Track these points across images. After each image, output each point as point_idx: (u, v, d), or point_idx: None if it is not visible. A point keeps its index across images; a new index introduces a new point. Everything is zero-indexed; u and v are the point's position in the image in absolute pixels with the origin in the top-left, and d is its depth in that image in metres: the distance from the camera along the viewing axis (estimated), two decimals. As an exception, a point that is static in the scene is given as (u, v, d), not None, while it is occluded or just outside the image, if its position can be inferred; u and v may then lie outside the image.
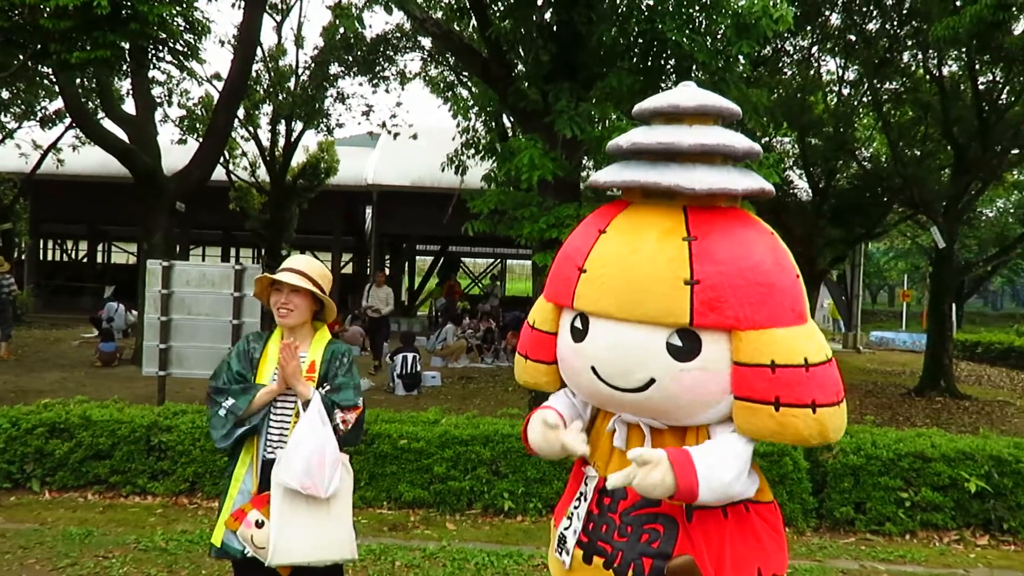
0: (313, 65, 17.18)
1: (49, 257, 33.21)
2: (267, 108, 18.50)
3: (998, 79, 12.67)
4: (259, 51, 16.18)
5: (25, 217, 23.16)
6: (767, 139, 13.60)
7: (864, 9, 12.88)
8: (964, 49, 11.68)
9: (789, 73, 14.73)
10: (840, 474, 5.72)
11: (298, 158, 19.75)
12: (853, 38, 13.34)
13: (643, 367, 2.00)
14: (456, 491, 5.79)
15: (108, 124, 14.83)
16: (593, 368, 2.10)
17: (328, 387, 2.96)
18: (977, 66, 12.27)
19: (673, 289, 1.94)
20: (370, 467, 5.84)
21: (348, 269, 29.99)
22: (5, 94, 19.06)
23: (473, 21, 8.62)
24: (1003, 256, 16.31)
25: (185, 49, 11.15)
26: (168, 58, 11.55)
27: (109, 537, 5.08)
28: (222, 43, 17.78)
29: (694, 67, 7.25)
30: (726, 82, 6.98)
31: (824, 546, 5.43)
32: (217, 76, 16.92)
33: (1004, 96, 12.55)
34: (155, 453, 6.01)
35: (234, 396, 2.91)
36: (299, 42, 18.21)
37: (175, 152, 16.82)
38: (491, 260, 38.74)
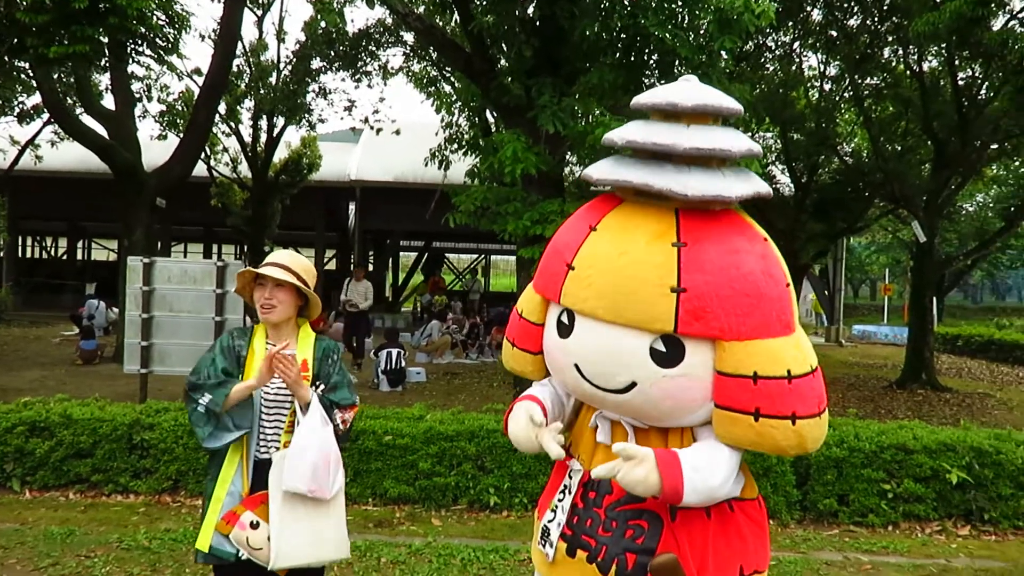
0: (295, 60, 17.05)
1: (28, 254, 32.91)
2: (249, 103, 18.37)
3: (977, 75, 12.77)
4: (240, 46, 16.06)
5: (3, 214, 22.79)
6: (749, 134, 13.63)
7: (845, 5, 12.94)
8: (944, 45, 11.76)
9: (771, 69, 14.79)
10: (823, 466, 5.76)
11: (280, 154, 19.65)
12: (834, 34, 13.40)
13: (625, 370, 1.99)
14: (441, 487, 5.78)
15: (87, 120, 14.67)
16: (576, 366, 2.09)
17: (323, 386, 2.92)
18: (957, 62, 12.36)
19: (659, 296, 1.92)
20: (355, 464, 5.82)
21: (331, 265, 29.88)
22: (-18, 89, 18.82)
23: (456, 16, 8.60)
24: (983, 250, 16.46)
25: (165, 43, 11.05)
26: (148, 52, 11.43)
27: (91, 536, 5.03)
28: (202, 37, 17.64)
29: (677, 62, 7.27)
30: (709, 77, 6.99)
31: (808, 538, 5.47)
32: (198, 71, 16.79)
33: (983, 91, 12.65)
34: (137, 451, 5.95)
35: (210, 391, 2.81)
36: (281, 36, 18.11)
37: (155, 148, 16.68)
38: (475, 255, 38.70)
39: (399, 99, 77.94)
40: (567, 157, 8.75)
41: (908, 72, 13.54)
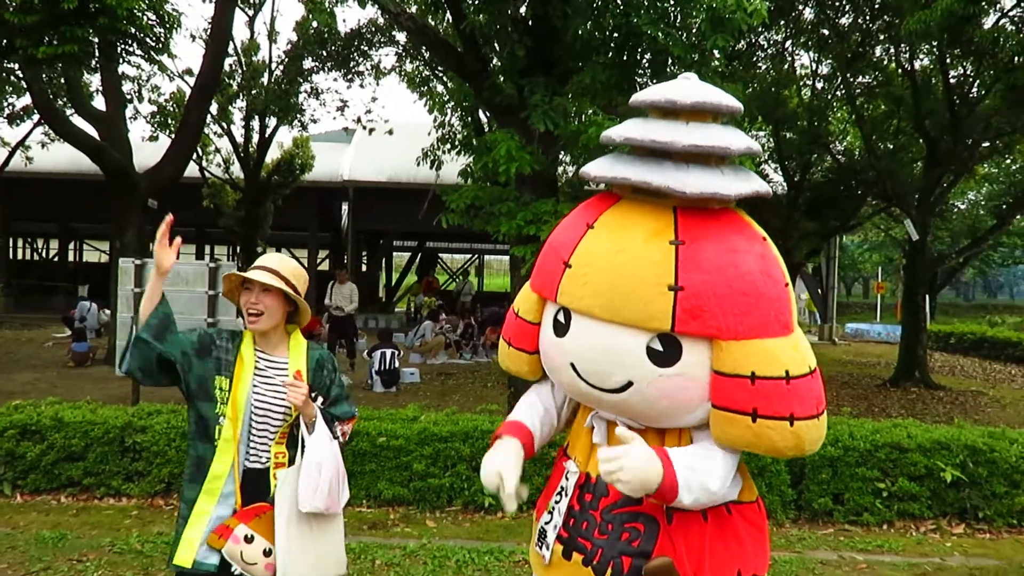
0: (287, 60, 17.01)
1: (20, 256, 32.71)
2: (240, 103, 18.31)
3: (969, 73, 12.80)
4: (231, 46, 16.00)
5: (-6, 216, 22.80)
6: (743, 133, 13.64)
7: (837, 4, 12.97)
8: (935, 43, 11.79)
9: (763, 67, 14.80)
10: (818, 466, 5.76)
11: (273, 154, 19.59)
12: (826, 32, 13.44)
13: (622, 369, 1.98)
14: (436, 488, 5.76)
15: (78, 121, 14.60)
16: (573, 365, 2.08)
17: (322, 399, 2.83)
18: (948, 60, 12.39)
19: (657, 294, 1.90)
20: (349, 465, 5.74)
21: (324, 266, 29.81)
22: (-29, 90, 18.70)
23: (448, 15, 8.57)
24: (975, 248, 16.53)
25: (155, 43, 10.98)
26: (138, 53, 11.36)
27: (83, 540, 5.00)
28: (193, 38, 17.59)
29: (669, 61, 7.26)
30: (702, 76, 6.97)
31: (803, 537, 5.47)
32: (189, 71, 16.74)
33: (975, 90, 12.68)
34: (129, 454, 5.92)
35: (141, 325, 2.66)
36: (272, 36, 18.05)
37: (147, 149, 16.60)
38: (469, 255, 38.67)
39: (392, 99, 77.77)
40: (560, 157, 8.73)
41: (900, 70, 13.57)
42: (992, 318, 27.06)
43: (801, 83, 15.95)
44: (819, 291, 23.53)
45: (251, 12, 18.04)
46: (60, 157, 19.07)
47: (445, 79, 13.32)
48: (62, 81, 14.75)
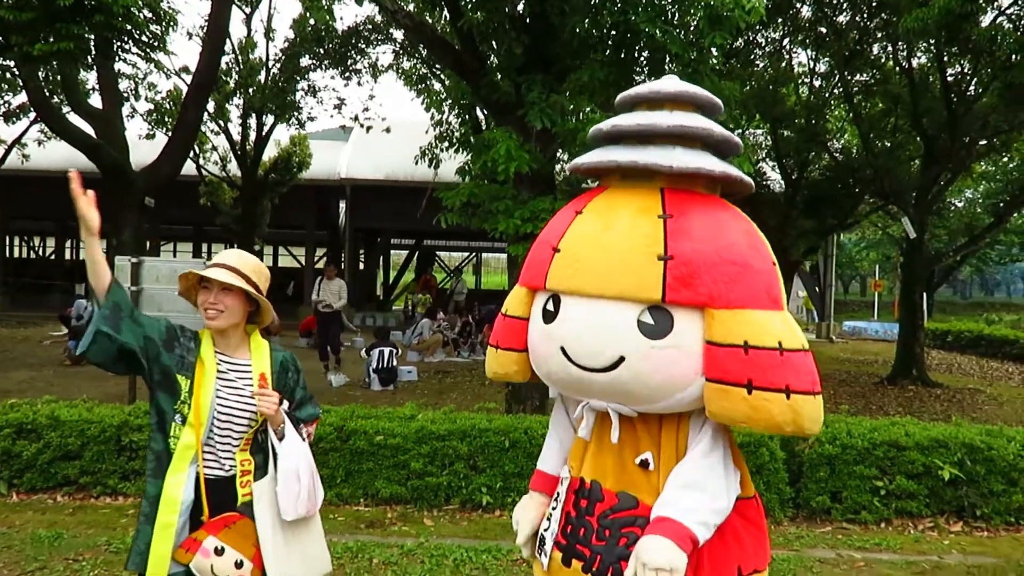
0: (284, 58, 16.97)
1: (16, 254, 32.67)
2: (238, 101, 18.27)
3: (966, 71, 12.81)
4: (228, 43, 15.96)
5: (-9, 214, 22.76)
6: (740, 131, 13.65)
7: (834, 1, 12.96)
8: (933, 41, 11.80)
9: (761, 65, 14.79)
10: (816, 464, 5.76)
11: (270, 152, 19.57)
12: (824, 30, 13.43)
13: (613, 344, 1.97)
14: (433, 487, 5.75)
15: (74, 118, 14.55)
16: (563, 349, 2.06)
17: (288, 403, 2.76)
18: (946, 58, 12.40)
19: (646, 264, 1.93)
20: (346, 464, 5.79)
21: (322, 264, 29.79)
22: (-34, 88, 18.65)
23: (445, 13, 8.55)
24: (972, 246, 16.52)
25: (152, 41, 10.95)
26: (134, 50, 11.33)
27: (79, 539, 4.98)
28: (190, 35, 17.53)
29: (667, 59, 7.24)
30: (700, 74, 6.97)
31: (801, 536, 5.47)
32: (185, 69, 16.68)
33: (972, 88, 12.68)
34: (126, 453, 5.90)
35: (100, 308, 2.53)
36: (269, 34, 18.00)
37: (143, 147, 16.56)
38: (466, 253, 38.66)
39: (389, 97, 77.84)
40: (558, 155, 8.72)
41: (897, 68, 13.57)
42: (989, 316, 27.12)
43: (799, 81, 15.94)
44: (816, 289, 23.55)
45: (248, 9, 18.00)
46: (57, 155, 19.01)
47: (442, 77, 13.28)
48: (58, 78, 14.70)
